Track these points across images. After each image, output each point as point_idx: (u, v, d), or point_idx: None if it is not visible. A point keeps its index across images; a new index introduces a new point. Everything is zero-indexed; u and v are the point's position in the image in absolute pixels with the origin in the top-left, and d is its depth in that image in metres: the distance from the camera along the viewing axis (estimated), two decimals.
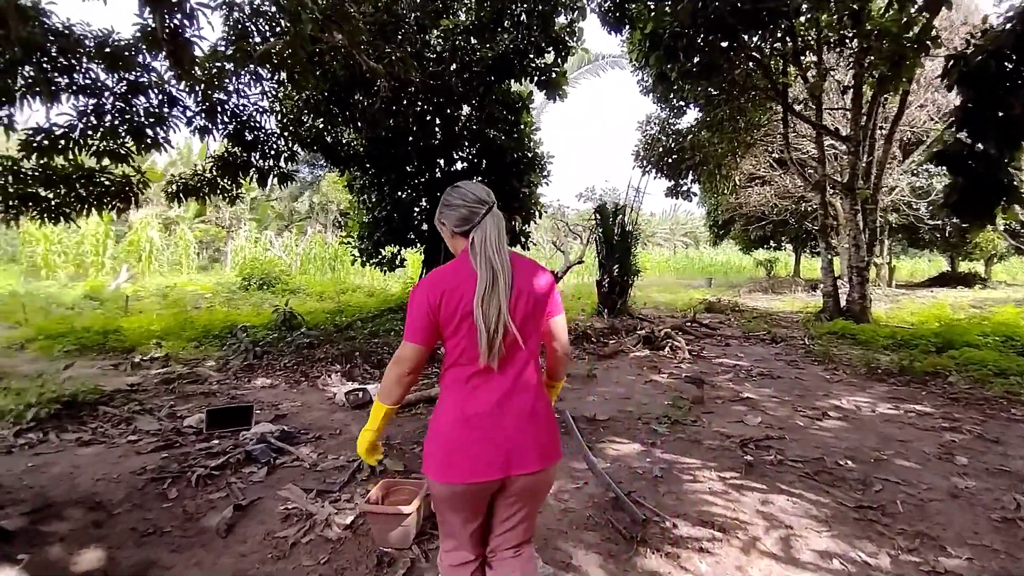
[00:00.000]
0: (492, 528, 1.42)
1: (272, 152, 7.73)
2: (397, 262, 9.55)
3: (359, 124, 8.71)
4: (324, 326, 6.81)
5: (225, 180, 7.39)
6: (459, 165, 10.20)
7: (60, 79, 6.15)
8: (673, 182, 12.29)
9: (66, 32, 5.41)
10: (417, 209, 9.74)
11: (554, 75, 8.79)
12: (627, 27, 9.26)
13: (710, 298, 12.59)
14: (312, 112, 8.08)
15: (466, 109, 9.80)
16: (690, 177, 12.28)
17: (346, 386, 4.36)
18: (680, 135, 11.86)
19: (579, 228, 15.53)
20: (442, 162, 9.86)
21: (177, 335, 5.96)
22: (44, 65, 5.80)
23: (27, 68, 5.85)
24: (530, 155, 9.99)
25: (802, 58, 9.47)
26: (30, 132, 5.96)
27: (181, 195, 7.07)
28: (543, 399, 1.39)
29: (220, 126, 7.20)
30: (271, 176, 7.81)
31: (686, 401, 4.32)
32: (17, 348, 5.87)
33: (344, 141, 8.97)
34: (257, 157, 7.59)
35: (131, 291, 11.70)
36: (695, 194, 13.34)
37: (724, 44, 7.94)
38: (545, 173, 10.70)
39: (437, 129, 9.40)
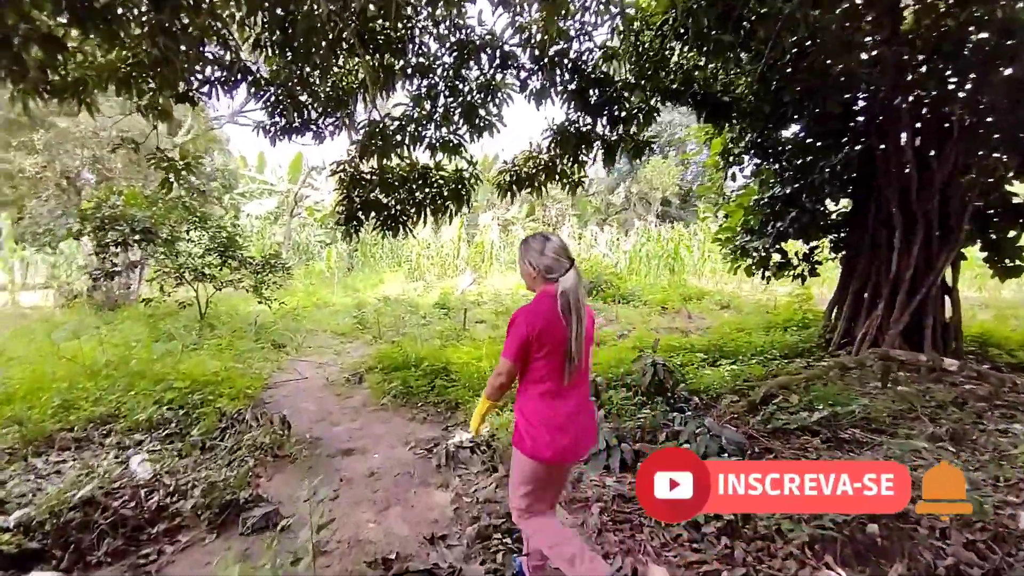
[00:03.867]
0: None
1: (623, 113, 5.28)
2: (800, 268, 5.87)
3: (750, 46, 5.40)
4: (726, 393, 3.89)
5: (564, 160, 5.31)
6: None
7: (394, 61, 5.15)
8: None
9: None
10: (840, 181, 5.77)
11: None
12: None
13: None
14: (682, 41, 5.20)
15: None
16: None
17: None
18: None
19: None
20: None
21: None
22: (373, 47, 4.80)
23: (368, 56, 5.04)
24: None
25: None
26: (365, 129, 5.08)
27: (514, 187, 5.30)
28: (592, 405, 2.04)
29: (559, 85, 5.13)
30: (620, 148, 5.41)
31: None
32: (356, 381, 5.04)
33: (724, 79, 5.85)
34: (604, 123, 5.27)
35: (473, 297, 11.67)
36: None
37: None
38: None
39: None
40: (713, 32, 4.94)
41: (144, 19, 3.69)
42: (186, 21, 4.04)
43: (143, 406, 3.71)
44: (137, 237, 5.75)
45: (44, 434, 3.43)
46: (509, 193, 5.36)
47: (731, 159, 6.50)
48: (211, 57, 4.61)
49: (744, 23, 5.00)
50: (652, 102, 5.43)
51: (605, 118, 5.31)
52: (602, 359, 4.93)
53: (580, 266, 9.82)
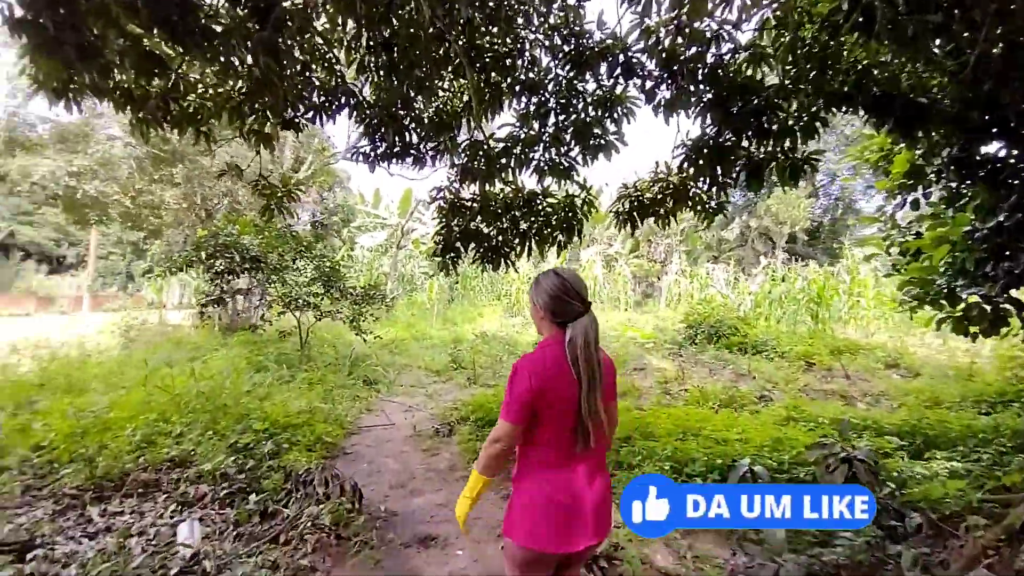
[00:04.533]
0: None
1: (774, 125, 4.31)
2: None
3: (952, 34, 4.18)
4: (962, 511, 2.64)
5: (699, 183, 4.40)
6: None
7: (501, 79, 4.71)
8: None
9: None
10: None
11: None
12: None
13: None
14: (861, 31, 4.10)
15: None
16: None
17: None
18: None
19: None
20: None
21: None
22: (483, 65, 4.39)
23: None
24: None
25: None
26: (466, 152, 4.63)
27: (635, 215, 4.47)
28: (608, 477, 1.66)
29: (692, 95, 4.31)
30: (769, 167, 4.40)
31: None
32: (445, 433, 4.41)
33: (909, 81, 4.63)
34: (751, 135, 4.30)
35: None
36: None
37: None
38: None
39: None
40: (903, 17, 3.81)
41: (246, 37, 3.54)
42: (291, 42, 3.91)
43: (216, 451, 3.36)
44: (246, 265, 5.81)
45: (116, 473, 3.19)
46: (629, 223, 4.53)
47: (917, 180, 5.10)
48: (316, 82, 4.46)
49: (948, 5, 3.82)
50: (814, 109, 4.35)
51: (751, 131, 4.34)
52: (750, 434, 3.80)
53: (700, 308, 8.54)
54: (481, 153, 4.65)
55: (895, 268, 5.94)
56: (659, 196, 4.50)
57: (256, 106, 4.42)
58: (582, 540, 1.50)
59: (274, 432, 3.70)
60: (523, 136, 4.66)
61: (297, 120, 4.61)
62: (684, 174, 4.44)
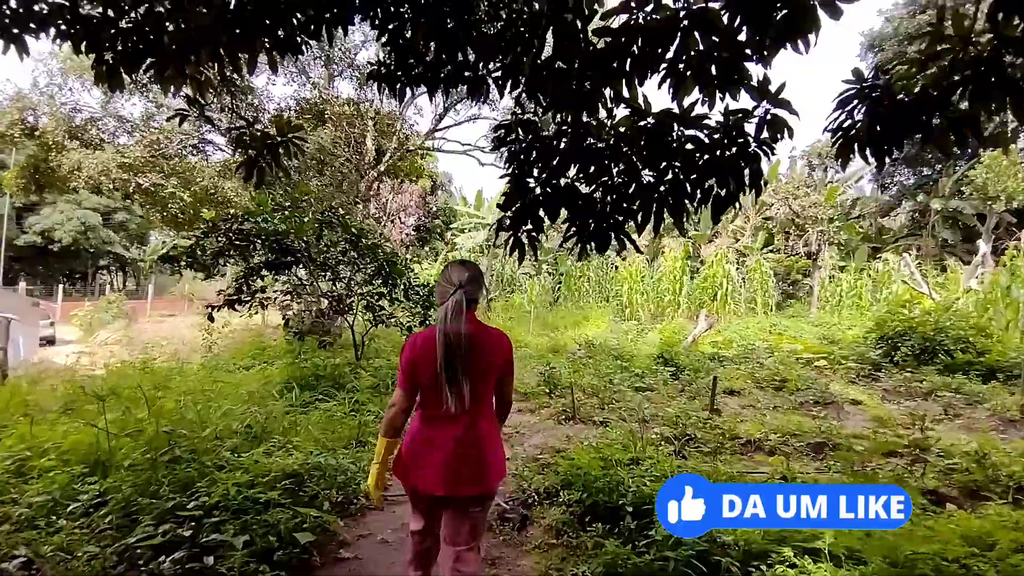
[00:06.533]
0: (444, 529, 1.94)
1: None
2: None
3: None
4: None
5: None
6: None
7: None
8: None
9: None
10: None
11: None
12: None
13: None
14: None
15: None
16: None
17: None
18: None
19: None
20: None
21: None
22: None
23: None
24: None
25: None
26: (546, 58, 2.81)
27: (879, 129, 2.28)
28: (487, 441, 1.92)
29: None
30: None
31: None
32: (516, 523, 2.69)
33: None
34: None
35: (709, 347, 8.41)
36: None
37: None
38: None
39: None
40: None
41: None
42: None
43: (100, 557, 1.91)
44: (284, 258, 4.59)
45: None
46: (870, 148, 2.36)
47: None
48: None
49: None
50: None
51: None
52: None
53: (901, 312, 6.04)
54: (563, 63, 2.82)
55: None
56: (935, 89, 2.25)
57: (245, 24, 3.04)
58: (437, 487, 1.81)
59: (215, 521, 2.20)
60: (644, 23, 2.72)
61: (298, 37, 3.16)
62: (996, 37, 2.15)
